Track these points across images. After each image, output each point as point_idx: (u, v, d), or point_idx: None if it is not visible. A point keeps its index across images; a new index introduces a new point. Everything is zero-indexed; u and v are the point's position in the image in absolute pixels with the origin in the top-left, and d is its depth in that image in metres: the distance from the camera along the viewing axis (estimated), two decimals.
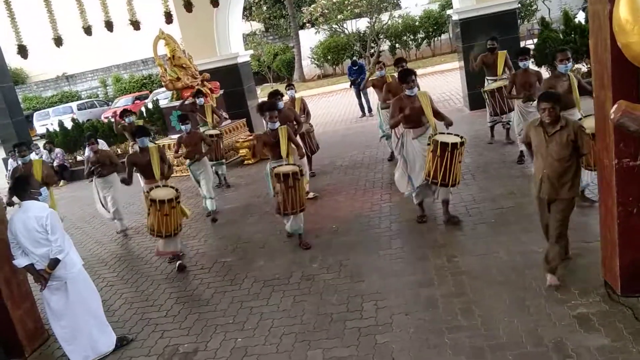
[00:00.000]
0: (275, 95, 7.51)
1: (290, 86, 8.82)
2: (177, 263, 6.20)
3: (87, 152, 12.54)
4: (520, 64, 7.05)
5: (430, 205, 6.28)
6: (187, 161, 7.70)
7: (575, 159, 4.09)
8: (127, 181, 6.46)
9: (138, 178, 6.93)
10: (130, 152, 9.11)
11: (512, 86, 7.13)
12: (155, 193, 5.95)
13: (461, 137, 5.55)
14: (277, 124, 6.09)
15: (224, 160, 9.32)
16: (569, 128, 4.02)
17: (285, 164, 6.01)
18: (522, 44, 13.91)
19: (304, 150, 6.62)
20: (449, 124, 5.72)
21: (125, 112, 9.85)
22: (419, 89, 5.89)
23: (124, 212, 8.19)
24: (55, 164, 12.71)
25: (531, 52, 7.53)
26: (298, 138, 7.32)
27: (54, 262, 4.30)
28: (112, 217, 7.90)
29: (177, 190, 6.08)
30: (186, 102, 10.31)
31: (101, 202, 7.94)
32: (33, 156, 8.66)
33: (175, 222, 5.96)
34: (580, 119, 5.32)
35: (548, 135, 4.10)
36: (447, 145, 5.37)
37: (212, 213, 7.71)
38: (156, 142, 10.79)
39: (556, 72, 5.91)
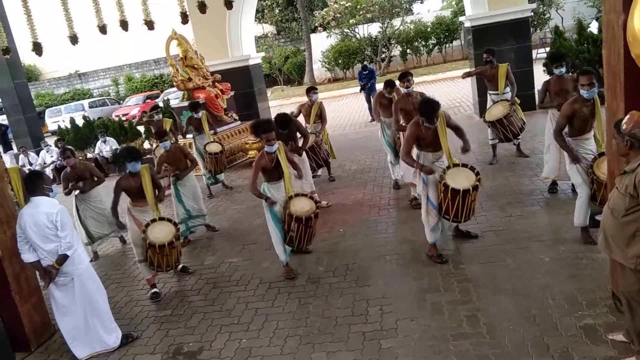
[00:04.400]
0: (282, 121, 6.62)
1: (313, 90, 8.37)
2: (180, 266, 5.99)
3: (99, 148, 12.77)
4: (556, 70, 6.44)
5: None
6: (172, 178, 6.91)
7: (637, 221, 3.09)
8: (116, 217, 5.81)
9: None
10: (156, 151, 8.74)
11: (544, 94, 6.54)
12: (153, 234, 5.39)
13: (476, 174, 4.97)
14: (275, 147, 5.36)
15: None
16: (632, 175, 3.05)
17: (296, 196, 5.45)
18: (534, 52, 13.88)
19: (302, 173, 5.95)
20: (465, 150, 5.24)
21: (155, 108, 9.71)
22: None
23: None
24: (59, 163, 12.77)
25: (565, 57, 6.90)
26: (303, 155, 7.01)
27: (63, 258, 4.33)
28: (92, 245, 7.15)
29: (175, 224, 5.63)
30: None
31: (81, 221, 7.03)
32: (9, 163, 7.96)
33: (175, 257, 5.60)
34: (598, 155, 4.85)
35: (619, 173, 3.26)
36: (458, 192, 4.84)
37: (206, 226, 7.23)
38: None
39: (578, 95, 5.16)
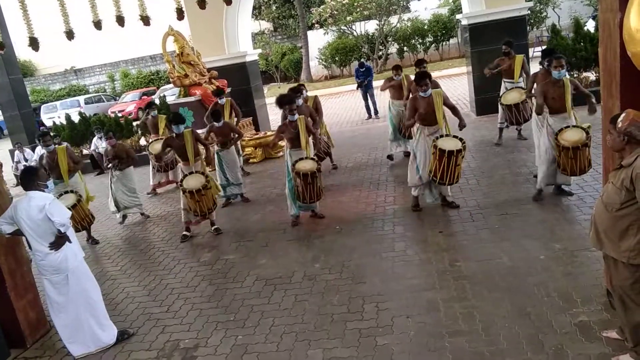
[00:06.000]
0: (296, 91, 7.85)
1: (301, 87, 8.85)
2: (214, 228, 7.09)
3: (95, 144, 12.71)
4: (546, 65, 6.92)
5: (431, 209, 6.26)
6: (217, 147, 8.10)
7: (632, 215, 3.12)
8: (159, 158, 7.62)
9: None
10: (155, 145, 9.36)
11: (532, 84, 7.18)
12: (187, 183, 6.67)
13: (462, 142, 5.91)
14: (297, 116, 6.54)
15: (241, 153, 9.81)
16: (629, 170, 3.07)
17: (305, 158, 6.45)
18: (530, 50, 13.90)
19: (318, 134, 7.34)
20: (462, 126, 6.22)
21: (151, 105, 10.18)
22: (433, 88, 6.24)
23: (142, 199, 8.75)
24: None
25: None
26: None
27: (60, 232, 4.36)
28: (118, 213, 8.26)
29: (206, 176, 6.75)
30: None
31: (113, 196, 8.16)
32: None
33: (208, 204, 6.74)
34: (567, 127, 5.79)
35: (614, 168, 3.32)
36: (444, 152, 5.79)
37: (241, 196, 8.29)
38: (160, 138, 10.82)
39: (551, 78, 5.99)
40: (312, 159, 6.54)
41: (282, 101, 6.77)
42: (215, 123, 7.96)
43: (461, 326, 4.04)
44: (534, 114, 6.75)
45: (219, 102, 9.69)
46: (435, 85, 7.61)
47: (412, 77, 7.80)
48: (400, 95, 8.73)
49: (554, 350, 3.58)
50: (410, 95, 7.20)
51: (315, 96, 9.08)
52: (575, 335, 3.69)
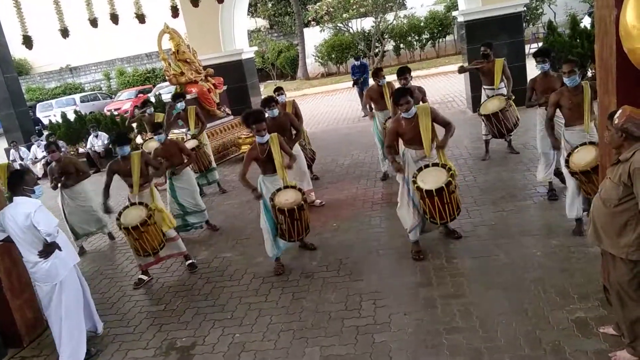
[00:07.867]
0: (268, 102, 6.78)
1: (279, 90, 7.93)
2: (188, 263, 6.00)
3: (91, 143, 12.68)
4: (538, 66, 6.24)
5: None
6: (168, 172, 6.74)
7: (630, 210, 3.11)
8: (105, 199, 5.85)
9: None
10: (149, 143, 8.71)
11: (531, 92, 6.32)
12: (125, 219, 5.55)
13: (448, 170, 4.87)
14: (267, 137, 5.34)
15: (214, 166, 8.61)
16: (626, 165, 3.07)
17: (284, 188, 5.35)
18: (527, 47, 13.93)
19: (293, 163, 5.55)
20: (439, 146, 5.10)
21: (146, 103, 9.69)
22: (418, 103, 5.29)
23: (108, 219, 7.28)
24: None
25: (551, 54, 6.39)
26: (299, 152, 6.97)
27: (49, 243, 4.27)
28: (75, 237, 7.03)
29: (149, 209, 5.60)
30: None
31: (66, 218, 6.96)
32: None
33: (151, 241, 5.59)
34: (583, 144, 4.82)
35: (611, 163, 3.31)
36: (429, 192, 4.79)
37: (206, 223, 7.11)
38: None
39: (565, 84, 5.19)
40: (292, 187, 5.41)
41: (247, 120, 5.40)
42: (155, 138, 6.69)
43: (458, 323, 4.04)
44: (539, 117, 6.08)
45: (177, 106, 8.58)
46: (423, 96, 6.95)
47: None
48: (384, 105, 7.67)
49: (551, 347, 3.59)
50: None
51: (293, 100, 8.05)
52: (572, 332, 3.70)
